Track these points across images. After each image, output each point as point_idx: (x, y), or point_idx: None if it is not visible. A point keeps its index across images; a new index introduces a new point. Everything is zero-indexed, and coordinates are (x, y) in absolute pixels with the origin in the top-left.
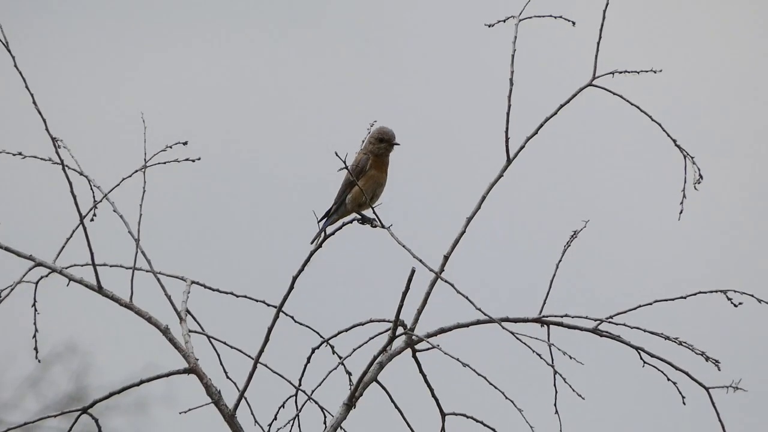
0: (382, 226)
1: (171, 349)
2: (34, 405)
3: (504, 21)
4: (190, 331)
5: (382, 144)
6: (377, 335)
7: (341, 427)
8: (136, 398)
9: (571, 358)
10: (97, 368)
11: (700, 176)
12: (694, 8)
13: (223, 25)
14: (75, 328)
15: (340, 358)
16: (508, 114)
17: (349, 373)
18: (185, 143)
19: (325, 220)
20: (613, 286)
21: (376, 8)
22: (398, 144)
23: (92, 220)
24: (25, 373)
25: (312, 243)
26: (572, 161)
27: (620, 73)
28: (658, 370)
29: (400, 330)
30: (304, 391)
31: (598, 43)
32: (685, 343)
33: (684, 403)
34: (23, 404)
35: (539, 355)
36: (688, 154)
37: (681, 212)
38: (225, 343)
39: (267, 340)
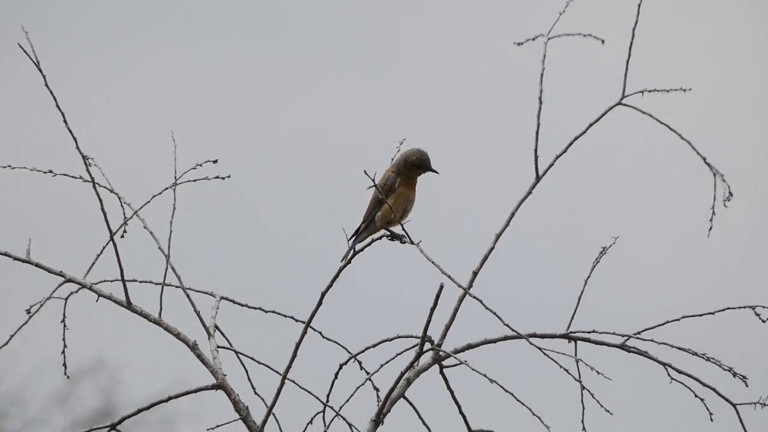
0: (412, 243)
1: (199, 365)
2: (61, 421)
3: (533, 39)
4: (218, 346)
5: (419, 170)
6: (405, 351)
7: None
8: (164, 414)
9: (598, 373)
10: (125, 384)
11: (730, 193)
12: (723, 27)
13: (254, 46)
14: (103, 344)
15: (368, 374)
16: (537, 132)
17: (377, 389)
18: (215, 161)
19: (354, 238)
20: (641, 301)
21: (406, 26)
22: (437, 172)
23: (122, 236)
24: (53, 388)
25: (342, 262)
26: (601, 179)
27: (649, 91)
28: (686, 386)
29: (427, 346)
30: (331, 407)
31: (628, 62)
32: (712, 359)
33: (711, 420)
34: (52, 420)
35: (567, 370)
36: (717, 171)
37: (710, 229)
38: (253, 358)
39: (295, 355)
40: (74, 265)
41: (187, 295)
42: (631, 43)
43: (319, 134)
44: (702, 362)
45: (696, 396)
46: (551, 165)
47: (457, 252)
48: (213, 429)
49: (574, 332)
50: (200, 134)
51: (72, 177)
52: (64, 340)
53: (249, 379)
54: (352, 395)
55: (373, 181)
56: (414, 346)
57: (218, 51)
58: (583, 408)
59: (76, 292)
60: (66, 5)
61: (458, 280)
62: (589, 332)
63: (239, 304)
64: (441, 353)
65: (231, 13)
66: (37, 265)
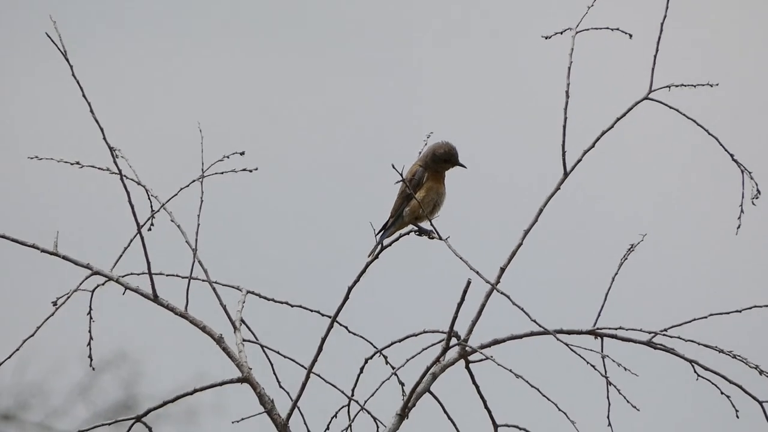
0: (440, 238)
1: (221, 358)
2: (83, 412)
3: (561, 33)
4: (244, 340)
5: (447, 164)
6: (431, 346)
7: None
8: (186, 407)
9: (625, 369)
10: (147, 376)
11: (758, 191)
12: (751, 22)
13: (282, 36)
14: (126, 337)
15: (393, 368)
16: (564, 127)
17: (402, 384)
18: (242, 153)
19: (382, 233)
20: (668, 298)
21: (434, 19)
22: (464, 167)
23: (150, 229)
24: (75, 380)
25: (369, 257)
26: (628, 175)
27: (677, 86)
28: (712, 383)
29: (453, 341)
30: (357, 401)
31: (655, 56)
32: (739, 356)
33: (738, 417)
34: (73, 411)
35: (593, 366)
36: (745, 168)
37: (738, 227)
38: (278, 352)
39: (320, 349)
40: (101, 257)
41: (214, 289)
42: (659, 37)
43: (347, 127)
44: (728, 360)
45: (722, 393)
46: (579, 160)
47: (485, 248)
48: (238, 422)
49: (601, 328)
50: (227, 126)
51: (99, 169)
52: (90, 332)
53: (274, 373)
54: (377, 389)
55: (401, 175)
56: (440, 341)
57: (245, 42)
58: (609, 404)
59: (103, 284)
60: None
61: (485, 275)
62: (615, 329)
63: (265, 298)
64: (467, 348)
65: (257, 3)
66: (64, 257)
